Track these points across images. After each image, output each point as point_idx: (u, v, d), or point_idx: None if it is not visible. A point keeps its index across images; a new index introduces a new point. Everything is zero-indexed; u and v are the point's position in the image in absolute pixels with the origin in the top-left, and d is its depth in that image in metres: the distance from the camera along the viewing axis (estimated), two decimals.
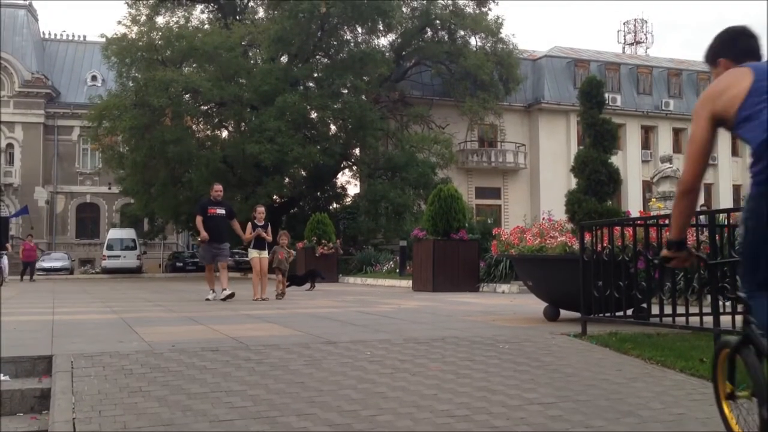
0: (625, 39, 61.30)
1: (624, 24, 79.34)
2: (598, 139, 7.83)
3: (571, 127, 39.27)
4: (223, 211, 11.88)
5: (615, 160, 8.54)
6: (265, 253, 11.90)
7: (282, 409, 3.78)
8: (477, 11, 35.51)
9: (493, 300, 11.78)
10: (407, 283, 17.32)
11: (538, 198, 38.64)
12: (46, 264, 38.86)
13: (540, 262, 7.47)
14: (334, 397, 4.05)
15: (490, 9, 35.82)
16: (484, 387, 4.34)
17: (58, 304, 11.26)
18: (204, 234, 11.61)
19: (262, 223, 11.91)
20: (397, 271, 21.64)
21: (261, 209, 12.16)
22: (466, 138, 38.41)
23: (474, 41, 35.69)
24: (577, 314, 6.82)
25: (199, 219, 11.78)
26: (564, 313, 7.54)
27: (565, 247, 7.25)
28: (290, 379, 4.44)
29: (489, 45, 35.19)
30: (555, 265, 7.30)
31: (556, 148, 39.81)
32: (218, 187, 12.26)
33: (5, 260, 18.59)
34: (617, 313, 6.59)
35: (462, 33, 35.35)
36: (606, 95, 11.15)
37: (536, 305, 8.40)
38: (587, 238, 6.34)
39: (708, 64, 2.97)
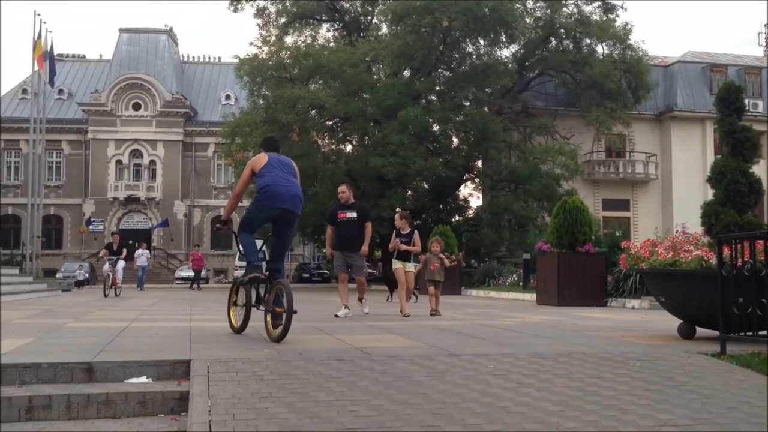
0: (767, 41, 57.52)
1: (765, 26, 74.51)
2: (738, 147, 7.41)
3: (707, 135, 37.27)
4: (354, 214, 10.17)
5: (756, 169, 8.03)
6: (410, 265, 10.64)
7: (405, 420, 3.80)
8: (604, 18, 34.51)
9: (622, 315, 11.33)
10: (531, 296, 16.99)
11: (670, 210, 36.87)
12: (183, 273, 41.27)
13: (673, 276, 7.11)
14: (457, 409, 4.03)
15: (618, 15, 34.75)
16: (614, 405, 4.18)
17: (195, 311, 11.87)
18: (328, 250, 10.64)
19: (407, 231, 10.60)
20: (521, 284, 21.30)
21: (398, 217, 10.90)
22: (592, 148, 37.33)
23: (601, 49, 34.71)
24: (714, 332, 6.44)
25: (329, 229, 10.50)
26: (700, 330, 7.13)
27: (701, 261, 6.86)
28: (413, 390, 4.46)
29: (617, 52, 34.08)
30: (690, 280, 6.93)
31: (690, 157, 37.86)
32: (341, 188, 10.60)
33: (120, 265, 19.13)
34: (761, 332, 6.16)
35: (588, 41, 34.46)
36: (746, 101, 10.52)
37: (669, 322, 8.00)
38: (726, 252, 5.98)
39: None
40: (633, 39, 34.01)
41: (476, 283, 24.67)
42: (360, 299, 10.62)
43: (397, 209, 11.27)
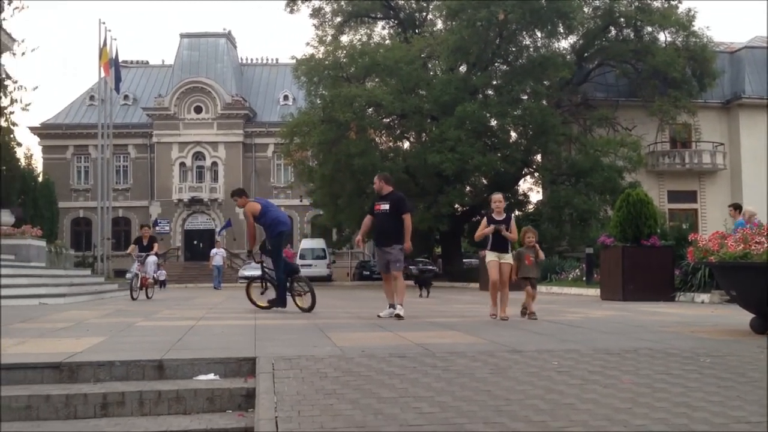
0: None
1: None
2: None
3: None
4: (386, 206, 9.37)
5: None
6: (507, 257, 9.02)
7: (469, 417, 3.80)
8: (665, 5, 33.62)
9: (690, 310, 11.03)
10: (594, 291, 16.69)
11: (740, 201, 35.62)
12: (246, 272, 41.91)
13: (745, 269, 6.88)
14: (521, 406, 4.00)
15: (680, 2, 33.76)
16: (684, 402, 4.08)
17: (259, 310, 12.06)
18: (357, 237, 10.19)
19: (502, 217, 9.04)
20: (584, 279, 20.96)
21: (498, 197, 9.22)
22: (656, 139, 36.42)
23: (663, 37, 33.79)
24: None
25: (366, 219, 9.85)
26: None
27: None
28: (476, 387, 4.45)
29: (680, 40, 33.12)
30: (763, 273, 6.70)
31: (760, 146, 36.50)
32: (375, 179, 9.90)
33: (151, 260, 16.07)
34: None
35: (649, 29, 33.60)
36: None
37: (741, 316, 7.75)
38: None
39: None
40: (696, 25, 33.04)
41: (537, 278, 24.36)
42: (398, 302, 9.41)
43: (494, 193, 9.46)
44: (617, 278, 14.74)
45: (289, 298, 10.87)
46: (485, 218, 9.12)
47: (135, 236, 16.83)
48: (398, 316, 9.04)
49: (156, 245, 16.46)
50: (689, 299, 14.16)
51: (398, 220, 9.29)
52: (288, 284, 10.85)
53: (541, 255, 9.54)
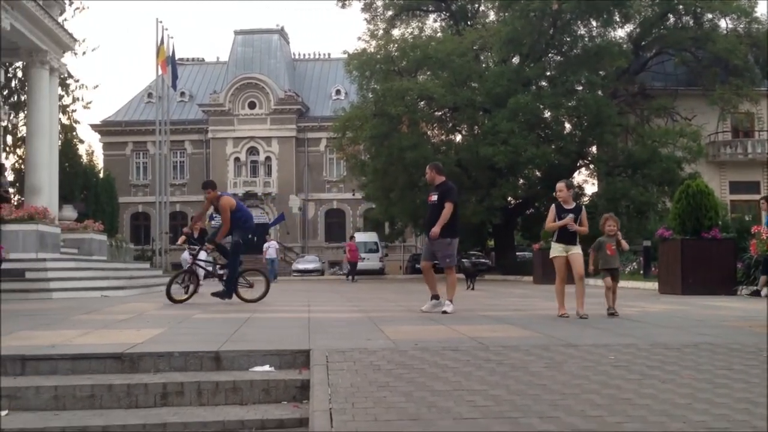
0: None
1: None
2: None
3: None
4: (435, 197, 9.04)
5: None
6: (575, 249, 8.27)
7: (524, 411, 3.77)
8: None
9: (753, 305, 10.69)
10: (652, 285, 16.34)
11: None
12: (300, 266, 42.54)
13: None
14: (577, 400, 3.95)
15: None
16: (746, 399, 3.97)
17: (312, 303, 12.21)
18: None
19: (571, 206, 8.40)
20: (641, 272, 20.55)
21: (561, 185, 8.64)
22: (716, 129, 35.37)
23: (724, 23, 32.74)
24: None
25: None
26: None
27: None
28: (531, 381, 4.41)
29: (741, 26, 32.09)
30: None
31: None
32: (426, 170, 9.54)
33: (203, 256, 13.44)
34: None
35: (709, 16, 32.59)
36: None
37: None
38: None
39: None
40: (759, 11, 31.99)
41: (591, 272, 23.97)
42: (447, 299, 8.93)
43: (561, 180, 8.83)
44: (676, 272, 14.38)
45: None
46: (553, 206, 8.53)
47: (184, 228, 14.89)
48: (444, 312, 8.62)
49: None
50: (752, 293, 13.72)
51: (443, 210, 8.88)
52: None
53: (624, 245, 8.85)
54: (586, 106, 29.52)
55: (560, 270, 8.29)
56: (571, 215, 8.22)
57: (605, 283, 8.64)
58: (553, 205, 8.54)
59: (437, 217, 8.82)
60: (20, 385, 4.70)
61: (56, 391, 4.63)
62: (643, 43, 34.41)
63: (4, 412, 4.46)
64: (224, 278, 11.26)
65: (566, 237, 8.26)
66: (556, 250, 8.32)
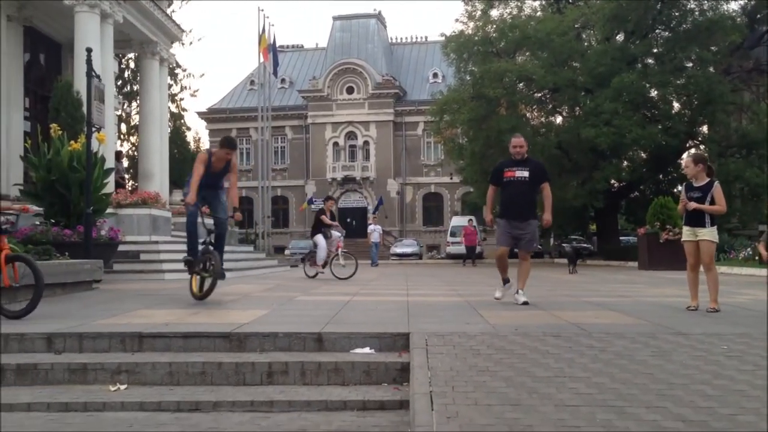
0: None
1: None
2: None
3: None
4: (525, 174, 7.88)
5: None
6: (704, 233, 7.30)
7: (629, 400, 3.67)
8: None
9: None
10: None
11: None
12: (398, 250, 42.88)
13: None
14: (686, 391, 3.81)
15: None
16: None
17: (411, 287, 12.29)
18: (488, 215, 8.27)
19: (702, 182, 7.37)
20: (756, 258, 19.48)
21: (687, 160, 7.74)
22: None
23: None
24: None
25: (490, 190, 8.24)
26: None
27: None
28: (636, 370, 4.29)
29: None
30: None
31: None
32: (517, 141, 8.06)
33: (336, 236, 14.49)
34: None
35: None
36: None
37: None
38: None
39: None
40: None
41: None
42: (520, 287, 8.04)
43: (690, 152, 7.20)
44: None
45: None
46: (684, 185, 7.69)
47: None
48: (525, 303, 7.79)
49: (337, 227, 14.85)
50: None
51: (536, 192, 8.09)
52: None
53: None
54: (696, 84, 28.16)
55: (689, 256, 7.50)
56: (697, 194, 7.32)
57: None
58: (684, 184, 7.77)
59: (530, 199, 8.00)
60: (138, 360, 4.99)
61: (170, 368, 4.89)
62: (758, 15, 32.37)
63: (123, 386, 4.75)
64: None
65: (693, 219, 7.39)
66: (685, 234, 7.55)
